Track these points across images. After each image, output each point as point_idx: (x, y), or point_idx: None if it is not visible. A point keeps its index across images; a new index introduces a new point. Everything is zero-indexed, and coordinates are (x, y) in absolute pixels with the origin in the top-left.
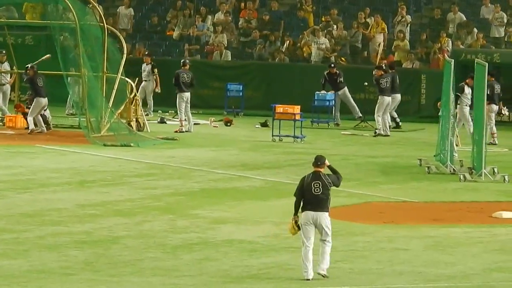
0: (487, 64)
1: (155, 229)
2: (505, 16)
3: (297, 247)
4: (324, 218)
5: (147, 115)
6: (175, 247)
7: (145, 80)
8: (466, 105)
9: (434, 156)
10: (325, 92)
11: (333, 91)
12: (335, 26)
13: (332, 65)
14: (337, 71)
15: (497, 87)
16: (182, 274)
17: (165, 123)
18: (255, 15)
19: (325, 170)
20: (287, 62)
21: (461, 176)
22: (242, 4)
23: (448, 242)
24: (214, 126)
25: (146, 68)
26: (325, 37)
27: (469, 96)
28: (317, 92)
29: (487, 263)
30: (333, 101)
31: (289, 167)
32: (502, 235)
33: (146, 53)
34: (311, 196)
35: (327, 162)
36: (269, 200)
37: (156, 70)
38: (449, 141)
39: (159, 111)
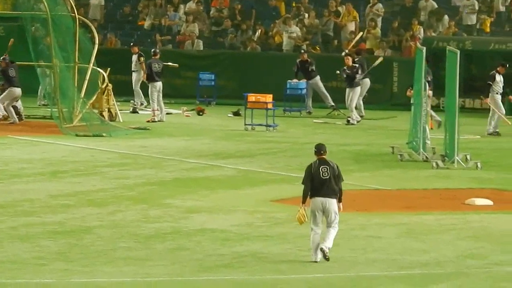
0: (459, 52)
1: (127, 219)
2: (476, 3)
3: (270, 235)
4: (334, 204)
5: (141, 104)
6: (148, 237)
7: (134, 71)
8: (497, 93)
9: (407, 143)
10: (297, 80)
11: (305, 80)
12: (306, 15)
13: (302, 51)
14: (309, 59)
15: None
16: (155, 264)
17: (137, 112)
18: (227, 4)
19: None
20: (259, 51)
21: (434, 164)
22: None
23: (421, 229)
24: (186, 116)
25: (134, 58)
26: (297, 26)
27: (501, 84)
28: (289, 80)
29: (460, 250)
30: (305, 89)
31: (261, 156)
32: (475, 222)
33: (132, 44)
34: (320, 180)
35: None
36: (241, 189)
37: (142, 59)
38: (421, 129)
39: (131, 101)
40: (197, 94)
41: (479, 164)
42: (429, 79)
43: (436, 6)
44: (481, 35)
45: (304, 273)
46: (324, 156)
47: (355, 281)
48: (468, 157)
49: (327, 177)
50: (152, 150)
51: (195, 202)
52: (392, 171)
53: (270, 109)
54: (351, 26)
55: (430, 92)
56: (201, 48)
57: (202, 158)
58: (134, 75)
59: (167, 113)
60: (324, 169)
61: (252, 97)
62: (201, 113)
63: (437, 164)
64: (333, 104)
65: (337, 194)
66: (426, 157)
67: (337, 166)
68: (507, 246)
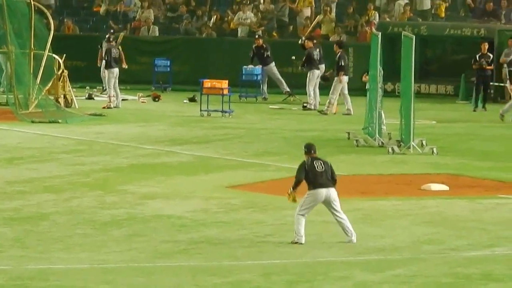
0: (414, 37)
1: (83, 205)
2: None
3: (226, 221)
4: (334, 192)
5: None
6: (104, 223)
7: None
8: None
9: (363, 129)
10: (252, 66)
11: (260, 66)
12: (261, 0)
13: (257, 36)
14: (264, 45)
15: (347, 58)
16: (111, 250)
17: (93, 99)
18: None
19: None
20: (214, 36)
21: (390, 149)
22: None
23: (377, 214)
24: (142, 102)
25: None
26: (251, 12)
27: None
28: (244, 66)
29: (416, 236)
30: (261, 75)
31: (217, 142)
32: (431, 207)
33: (112, 31)
34: (317, 173)
35: None
36: (197, 175)
37: (120, 47)
38: (377, 114)
39: (86, 87)
40: (153, 80)
41: (435, 150)
42: (342, 64)
43: None
44: (436, 20)
45: (260, 259)
46: (315, 155)
47: (312, 266)
48: (424, 142)
49: (323, 169)
50: (108, 136)
51: (151, 188)
52: (348, 157)
53: (226, 95)
54: (307, 12)
55: (343, 77)
56: (157, 34)
57: (158, 144)
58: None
59: (122, 99)
60: (318, 163)
61: (207, 83)
62: (156, 99)
63: (393, 150)
64: (288, 90)
65: (335, 184)
66: (382, 142)
67: (329, 162)
68: (463, 232)
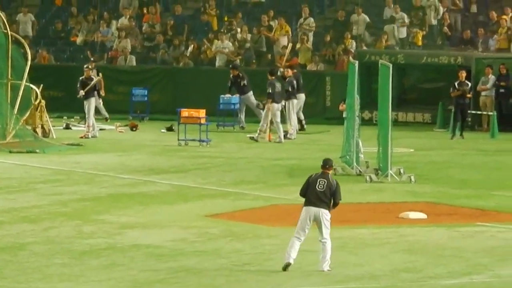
0: (391, 65)
1: (62, 235)
2: (405, 16)
3: (204, 250)
4: (325, 214)
5: (106, 119)
6: (82, 253)
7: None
8: None
9: (340, 157)
10: (229, 95)
11: (238, 95)
12: (239, 29)
13: (231, 66)
14: (241, 74)
15: (278, 86)
16: (90, 280)
17: (70, 128)
18: (159, 19)
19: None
20: (191, 66)
21: (367, 177)
22: (145, 9)
23: (356, 243)
24: (119, 131)
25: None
26: (229, 41)
27: None
28: (221, 95)
29: (395, 264)
30: (238, 104)
31: (195, 171)
32: (409, 235)
33: (92, 59)
34: (314, 191)
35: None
36: (176, 204)
37: (100, 74)
38: (354, 142)
39: (64, 117)
40: (130, 110)
41: (412, 178)
42: (270, 91)
43: (368, 20)
44: (413, 49)
45: None
46: (328, 171)
47: None
48: (402, 170)
49: (322, 189)
50: (86, 166)
51: (129, 218)
52: None
53: (203, 124)
54: (284, 41)
55: (272, 105)
56: (134, 64)
57: (136, 174)
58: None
59: (100, 129)
60: (322, 182)
61: (185, 112)
62: (134, 129)
63: (370, 178)
64: None
65: (329, 206)
66: (360, 171)
67: (336, 184)
68: (441, 259)
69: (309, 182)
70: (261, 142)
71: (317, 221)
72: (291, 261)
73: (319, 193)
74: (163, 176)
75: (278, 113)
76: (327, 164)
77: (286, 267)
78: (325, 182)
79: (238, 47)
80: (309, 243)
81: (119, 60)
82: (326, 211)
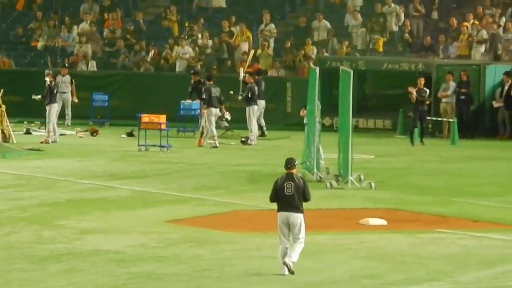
0: (352, 72)
1: (22, 240)
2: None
3: (164, 256)
4: (297, 218)
5: (67, 125)
6: (43, 258)
7: (64, 92)
8: None
9: (301, 163)
10: (190, 101)
11: (198, 100)
12: (199, 35)
13: (192, 72)
14: (202, 80)
15: (215, 91)
16: (50, 285)
17: (31, 133)
18: (119, 24)
19: None
20: (152, 71)
21: (328, 184)
22: (106, 14)
23: (316, 249)
24: (80, 137)
25: (64, 79)
26: (189, 46)
27: None
28: (182, 101)
29: (355, 270)
30: (199, 110)
31: (155, 177)
32: (369, 242)
33: (66, 65)
34: (283, 196)
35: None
36: (136, 210)
37: (74, 81)
38: (315, 149)
39: (24, 122)
40: (91, 115)
41: (373, 184)
42: (204, 97)
43: (329, 26)
44: (374, 55)
45: None
46: (292, 171)
47: None
48: (362, 177)
49: (291, 193)
50: (46, 171)
51: (90, 223)
52: None
53: (164, 129)
54: (245, 46)
55: (210, 110)
56: (95, 69)
57: (96, 179)
58: (62, 96)
59: (60, 134)
60: (289, 185)
61: (145, 117)
62: (94, 134)
63: (331, 184)
64: (227, 124)
65: (300, 209)
66: (320, 177)
67: (304, 182)
68: (401, 266)
69: (277, 187)
70: (219, 147)
71: (290, 226)
72: (286, 273)
73: (288, 197)
74: (124, 181)
75: (213, 119)
76: (289, 164)
77: (292, 272)
78: (291, 184)
79: (199, 53)
80: (269, 249)
81: (80, 65)
82: (297, 215)
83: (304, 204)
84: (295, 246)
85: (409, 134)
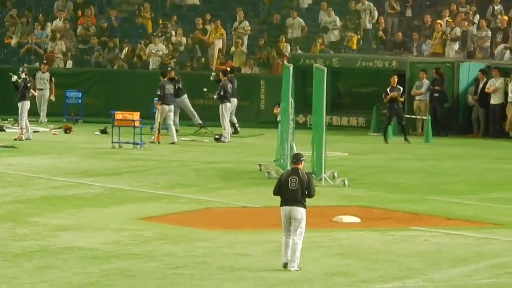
0: (325, 69)
1: None
2: (337, 19)
3: (137, 253)
4: (299, 212)
5: (41, 122)
6: (15, 255)
7: (42, 89)
8: None
9: (274, 161)
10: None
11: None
12: (173, 32)
13: (169, 69)
14: (176, 77)
15: (169, 87)
16: (23, 282)
17: (4, 130)
18: (93, 22)
19: None
20: (125, 68)
21: None
22: (80, 12)
23: None
24: (53, 134)
25: (43, 76)
26: (163, 44)
27: None
28: (155, 98)
29: (328, 267)
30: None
31: (129, 174)
32: (342, 239)
33: (45, 61)
34: (287, 190)
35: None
36: (109, 207)
37: (53, 79)
38: (288, 146)
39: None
40: (64, 112)
41: (346, 182)
42: (159, 93)
43: (303, 23)
44: (348, 53)
45: None
46: (298, 166)
47: None
48: (336, 174)
49: (295, 187)
50: (19, 168)
51: (63, 220)
52: (260, 189)
53: (137, 127)
54: (218, 44)
55: (163, 107)
56: (70, 66)
57: (70, 176)
58: (39, 92)
59: (34, 131)
60: (293, 180)
61: (119, 115)
62: (68, 131)
63: None
64: (200, 122)
65: (303, 203)
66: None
67: (308, 177)
68: (374, 264)
69: (281, 181)
70: (191, 145)
71: (291, 220)
72: (284, 260)
73: (292, 191)
74: (97, 178)
75: (171, 115)
76: (295, 158)
77: (285, 266)
78: (296, 179)
79: (173, 50)
80: (242, 247)
81: (56, 62)
82: (300, 209)
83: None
84: (295, 246)
85: (383, 132)
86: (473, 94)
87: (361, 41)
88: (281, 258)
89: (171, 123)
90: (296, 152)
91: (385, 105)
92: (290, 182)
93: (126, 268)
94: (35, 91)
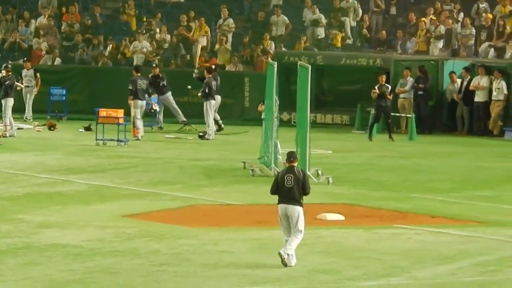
0: (310, 67)
1: None
2: (322, 17)
3: (122, 250)
4: (296, 210)
5: (26, 119)
6: None
7: (28, 86)
8: None
9: (258, 158)
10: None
11: (156, 95)
12: (157, 30)
13: (154, 65)
14: (160, 74)
15: (141, 83)
16: (7, 279)
17: None
18: (78, 18)
19: None
20: (110, 66)
21: None
22: (64, 8)
23: (273, 244)
24: (37, 131)
25: (27, 73)
26: (147, 41)
27: None
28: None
29: (312, 265)
30: (157, 104)
31: (113, 171)
32: (326, 237)
33: (25, 58)
34: (283, 188)
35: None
36: (93, 204)
37: (38, 75)
38: (272, 144)
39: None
40: (48, 109)
41: (330, 179)
42: (130, 88)
43: (287, 21)
44: (332, 50)
45: None
46: (293, 164)
47: None
48: (320, 172)
49: (290, 185)
50: (3, 165)
51: (47, 217)
52: (244, 186)
53: (121, 124)
54: (203, 41)
55: (135, 102)
56: (55, 63)
57: (54, 173)
58: (26, 89)
59: (18, 128)
60: (289, 178)
61: (103, 112)
62: (52, 128)
63: None
64: (184, 119)
65: (299, 201)
66: (278, 172)
67: (304, 175)
68: (358, 261)
69: (278, 180)
70: (175, 142)
71: (288, 218)
72: (281, 252)
73: (288, 189)
74: (81, 175)
75: (138, 111)
76: (291, 157)
77: (285, 264)
78: (291, 177)
79: (157, 47)
80: (226, 244)
81: (45, 59)
82: (295, 207)
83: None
84: (293, 238)
85: (368, 130)
86: (457, 92)
87: (345, 39)
88: (266, 255)
89: (140, 117)
90: (290, 150)
91: (369, 103)
92: (286, 180)
93: (110, 265)
94: (22, 84)
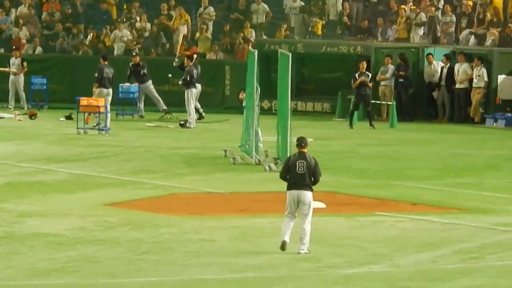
0: (290, 55)
1: None
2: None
3: (103, 239)
4: (307, 195)
5: (22, 108)
6: None
7: (16, 74)
8: None
9: (239, 147)
10: (129, 84)
11: (137, 83)
12: (138, 18)
13: (134, 54)
14: (141, 63)
15: (108, 71)
16: None
17: None
18: (58, 7)
19: None
20: (90, 54)
21: (267, 167)
22: None
23: (254, 232)
24: (18, 120)
25: (15, 61)
26: (127, 29)
27: None
28: (121, 84)
29: (294, 253)
30: (137, 93)
31: (94, 160)
32: None
33: (14, 47)
34: (295, 174)
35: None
36: (74, 193)
37: (25, 64)
38: (253, 132)
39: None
40: (29, 98)
41: None
42: (97, 76)
43: (268, 9)
44: (313, 38)
45: (137, 277)
46: (304, 150)
47: (188, 284)
48: None
49: (302, 171)
50: None
51: (28, 206)
52: (225, 174)
53: (102, 112)
54: (183, 29)
55: (100, 90)
56: (35, 52)
57: (35, 162)
58: (14, 78)
59: None
60: (301, 164)
61: (84, 100)
62: (33, 117)
63: (269, 167)
64: (165, 108)
65: (311, 187)
66: (259, 160)
67: (315, 162)
68: (340, 249)
69: (289, 165)
70: (156, 130)
71: (299, 203)
72: (287, 239)
73: (299, 175)
74: (62, 164)
75: (108, 99)
76: (302, 142)
77: (282, 245)
78: (303, 163)
79: (137, 36)
80: (208, 232)
81: (26, 49)
82: (308, 192)
83: (242, 186)
84: (305, 231)
85: (348, 117)
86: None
87: (325, 27)
88: (247, 244)
89: (108, 105)
90: (300, 136)
91: (350, 91)
92: (298, 166)
93: (92, 254)
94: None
